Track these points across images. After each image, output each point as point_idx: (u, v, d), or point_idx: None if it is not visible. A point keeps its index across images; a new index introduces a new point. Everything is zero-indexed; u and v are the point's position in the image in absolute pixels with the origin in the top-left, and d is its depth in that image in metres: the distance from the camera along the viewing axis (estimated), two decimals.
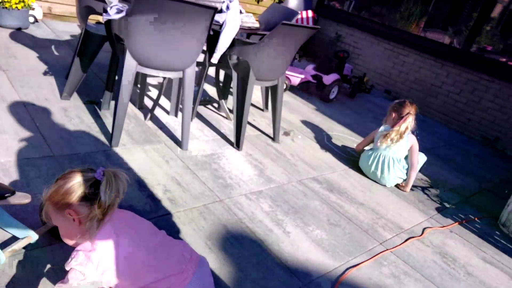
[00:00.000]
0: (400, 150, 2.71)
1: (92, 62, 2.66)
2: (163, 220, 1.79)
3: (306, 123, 3.52)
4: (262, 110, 3.46)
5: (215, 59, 2.51)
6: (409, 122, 2.69)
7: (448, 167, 3.42)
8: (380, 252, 1.99)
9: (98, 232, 1.09)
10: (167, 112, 2.92)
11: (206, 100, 3.31)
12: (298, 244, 1.89)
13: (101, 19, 3.02)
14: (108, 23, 2.33)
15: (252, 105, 3.54)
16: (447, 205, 2.71)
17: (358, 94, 4.91)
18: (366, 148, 3.05)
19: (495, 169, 3.74)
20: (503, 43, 4.97)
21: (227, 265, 1.65)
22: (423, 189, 2.87)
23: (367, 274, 1.82)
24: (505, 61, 4.67)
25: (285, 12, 3.28)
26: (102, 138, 2.33)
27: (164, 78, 2.76)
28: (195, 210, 1.93)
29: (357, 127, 3.80)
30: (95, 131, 2.39)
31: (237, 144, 2.65)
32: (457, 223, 2.50)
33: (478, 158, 3.92)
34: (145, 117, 2.72)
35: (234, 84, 2.62)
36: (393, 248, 2.06)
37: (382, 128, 2.80)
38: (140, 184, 2.00)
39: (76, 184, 1.06)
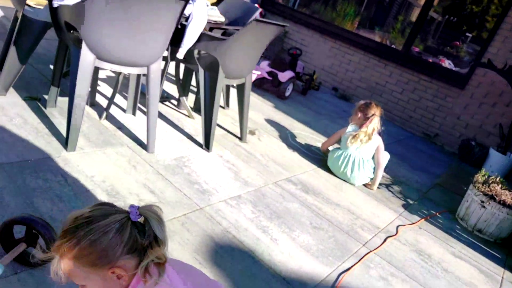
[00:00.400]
0: (368, 150, 2.74)
1: (32, 52, 2.28)
2: None
3: (268, 121, 3.43)
4: (223, 107, 3.29)
5: (181, 54, 2.29)
6: (375, 123, 2.73)
7: (402, 163, 3.57)
8: (365, 254, 1.97)
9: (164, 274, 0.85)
10: (123, 110, 2.62)
11: (165, 97, 3.05)
12: (288, 251, 1.79)
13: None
14: (55, 8, 2.00)
15: None
16: (411, 202, 2.81)
17: (308, 91, 4.95)
18: (330, 147, 3.05)
19: (440, 164, 4.01)
20: (440, 47, 5.36)
21: (222, 281, 1.49)
22: (387, 186, 2.95)
23: (358, 278, 1.78)
24: (441, 64, 5.04)
25: (245, 7, 3.14)
26: (54, 141, 2.00)
27: (120, 73, 2.47)
28: (176, 221, 1.73)
29: (315, 125, 3.80)
30: (44, 132, 2.05)
31: (207, 145, 2.47)
32: (423, 219, 2.59)
33: (424, 154, 4.16)
34: (100, 116, 2.41)
35: (201, 82, 2.42)
36: (375, 249, 2.05)
37: (349, 128, 2.81)
38: (109, 194, 1.74)
39: (116, 234, 0.79)
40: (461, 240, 2.51)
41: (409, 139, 4.60)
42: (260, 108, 3.71)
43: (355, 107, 2.87)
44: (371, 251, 2.02)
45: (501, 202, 2.51)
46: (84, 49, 1.84)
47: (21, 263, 1.25)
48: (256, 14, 2.99)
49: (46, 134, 2.04)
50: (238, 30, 2.76)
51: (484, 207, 2.58)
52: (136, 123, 2.53)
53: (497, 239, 2.64)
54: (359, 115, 2.81)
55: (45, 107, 2.29)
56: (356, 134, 2.72)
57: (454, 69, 5.23)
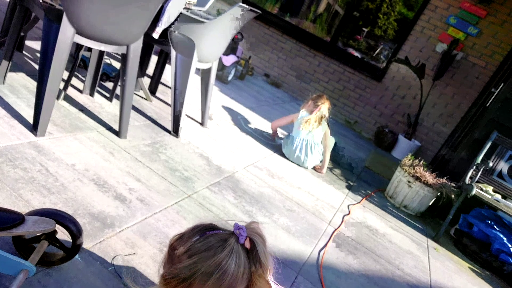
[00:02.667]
0: (318, 135, 3.01)
1: None
2: (146, 225, 1.55)
3: (218, 105, 3.46)
4: (146, 99, 3.21)
5: (156, 33, 2.20)
6: (323, 111, 3.00)
7: (334, 148, 3.94)
8: (333, 233, 2.22)
9: None
10: (79, 91, 2.41)
11: (113, 76, 2.86)
12: (274, 234, 1.93)
13: None
14: None
15: (161, 83, 3.25)
16: (351, 183, 3.18)
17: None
18: (280, 134, 3.26)
19: (362, 148, 4.52)
20: (344, 40, 5.87)
21: None
22: (330, 169, 3.27)
23: (334, 254, 2.01)
24: (363, 58, 5.58)
25: None
26: (17, 124, 1.78)
27: (80, 50, 2.27)
28: (171, 210, 1.72)
29: (258, 110, 3.95)
30: (1, 114, 1.80)
31: (175, 131, 2.44)
32: (364, 198, 2.97)
33: (348, 139, 4.64)
34: (58, 97, 2.18)
35: (172, 64, 2.36)
36: (338, 227, 2.32)
37: (301, 113, 3.03)
38: (97, 184, 1.65)
39: (235, 263, 0.77)
40: (393, 215, 2.95)
41: (334, 125, 5.05)
42: None
43: (309, 97, 3.10)
44: (335, 229, 2.28)
45: (425, 182, 3.00)
46: (65, 22, 1.66)
47: (38, 263, 1.15)
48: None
49: (5, 116, 1.80)
50: (200, 11, 2.74)
51: (410, 186, 3.06)
52: (97, 105, 2.35)
53: (418, 213, 3.16)
54: (310, 103, 3.06)
55: None
56: (308, 119, 2.96)
57: (366, 61, 5.84)
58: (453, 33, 4.66)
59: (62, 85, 2.24)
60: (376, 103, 5.22)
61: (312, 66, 5.48)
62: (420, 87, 4.72)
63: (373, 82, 5.20)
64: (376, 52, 5.84)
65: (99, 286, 1.20)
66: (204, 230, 0.85)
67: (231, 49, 4.44)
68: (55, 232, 1.16)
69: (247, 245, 0.83)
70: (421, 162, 3.19)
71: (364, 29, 5.99)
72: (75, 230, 1.13)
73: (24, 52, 2.60)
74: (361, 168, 3.71)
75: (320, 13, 7.14)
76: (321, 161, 3.07)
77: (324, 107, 3.03)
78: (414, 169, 3.11)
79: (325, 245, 2.05)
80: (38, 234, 1.14)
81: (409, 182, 3.07)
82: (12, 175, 1.47)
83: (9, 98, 1.96)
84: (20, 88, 2.12)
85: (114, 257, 1.32)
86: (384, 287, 1.94)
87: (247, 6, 2.36)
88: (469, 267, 2.67)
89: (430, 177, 3.03)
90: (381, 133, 4.97)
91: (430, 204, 3.17)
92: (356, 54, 5.70)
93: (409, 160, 3.23)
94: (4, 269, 0.97)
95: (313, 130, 2.97)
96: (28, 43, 2.75)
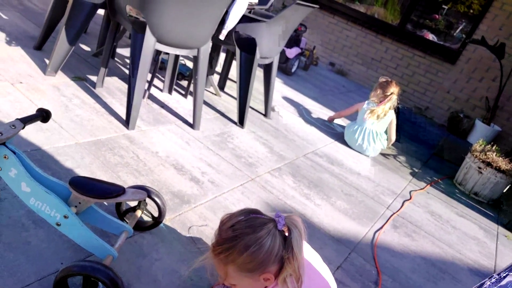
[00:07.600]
0: (382, 125, 3.05)
1: (81, 33, 2.39)
2: (216, 202, 1.82)
3: (282, 97, 3.66)
4: (215, 94, 3.47)
5: (223, 35, 2.46)
6: (393, 101, 3.01)
7: (401, 135, 3.91)
8: (391, 216, 2.31)
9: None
10: (160, 90, 2.79)
11: (188, 75, 3.21)
12: (331, 215, 2.09)
13: None
14: None
15: (229, 79, 3.53)
16: (416, 170, 3.17)
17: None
18: (339, 122, 3.35)
19: (433, 136, 4.39)
20: (421, 20, 5.61)
21: None
22: (394, 156, 3.29)
23: (390, 236, 2.11)
24: (434, 40, 5.33)
25: None
26: (114, 120, 2.18)
27: (159, 55, 2.62)
28: (237, 191, 1.98)
29: (322, 100, 4.07)
30: (102, 112, 2.21)
31: (241, 122, 2.69)
32: (428, 185, 2.96)
33: (417, 126, 4.53)
34: (143, 96, 2.56)
35: (237, 61, 2.61)
36: (397, 211, 2.39)
37: (367, 103, 3.08)
38: (176, 168, 1.96)
39: (270, 245, 0.91)
40: (461, 202, 2.90)
41: (402, 112, 4.94)
42: None
43: (377, 83, 3.14)
44: (394, 213, 2.36)
45: (497, 168, 2.89)
46: (148, 33, 1.99)
47: (134, 228, 1.47)
48: None
49: (104, 113, 2.20)
50: (262, 9, 2.94)
51: (481, 172, 2.97)
52: (174, 101, 2.70)
53: (489, 201, 3.05)
54: (379, 91, 3.08)
55: (93, 87, 2.43)
56: (374, 110, 3.00)
57: (438, 43, 5.54)
58: None
59: (146, 85, 2.62)
60: (449, 87, 4.98)
61: (379, 52, 5.40)
62: (499, 68, 4.41)
63: (446, 66, 4.97)
64: (457, 31, 5.50)
65: (179, 249, 1.49)
66: (249, 213, 1.02)
67: (294, 41, 4.59)
68: (146, 203, 1.47)
69: (285, 232, 0.96)
70: (494, 147, 3.06)
71: (444, 6, 5.68)
72: (160, 202, 1.43)
73: (116, 58, 3.05)
74: (428, 156, 3.64)
75: None
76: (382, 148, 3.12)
77: (394, 98, 3.03)
78: (485, 154, 3.01)
79: (382, 227, 2.15)
80: (133, 206, 1.47)
81: (479, 168, 2.98)
82: (113, 161, 1.83)
83: (107, 98, 2.38)
84: (114, 90, 2.54)
85: (190, 227, 1.61)
86: (442, 269, 1.99)
87: (304, 3, 2.51)
88: None
89: (503, 163, 2.91)
90: (455, 119, 4.75)
91: (504, 191, 3.04)
92: (431, 35, 5.44)
93: (480, 145, 3.11)
94: (111, 229, 1.29)
95: (378, 120, 3.02)
96: (118, 50, 3.21)
